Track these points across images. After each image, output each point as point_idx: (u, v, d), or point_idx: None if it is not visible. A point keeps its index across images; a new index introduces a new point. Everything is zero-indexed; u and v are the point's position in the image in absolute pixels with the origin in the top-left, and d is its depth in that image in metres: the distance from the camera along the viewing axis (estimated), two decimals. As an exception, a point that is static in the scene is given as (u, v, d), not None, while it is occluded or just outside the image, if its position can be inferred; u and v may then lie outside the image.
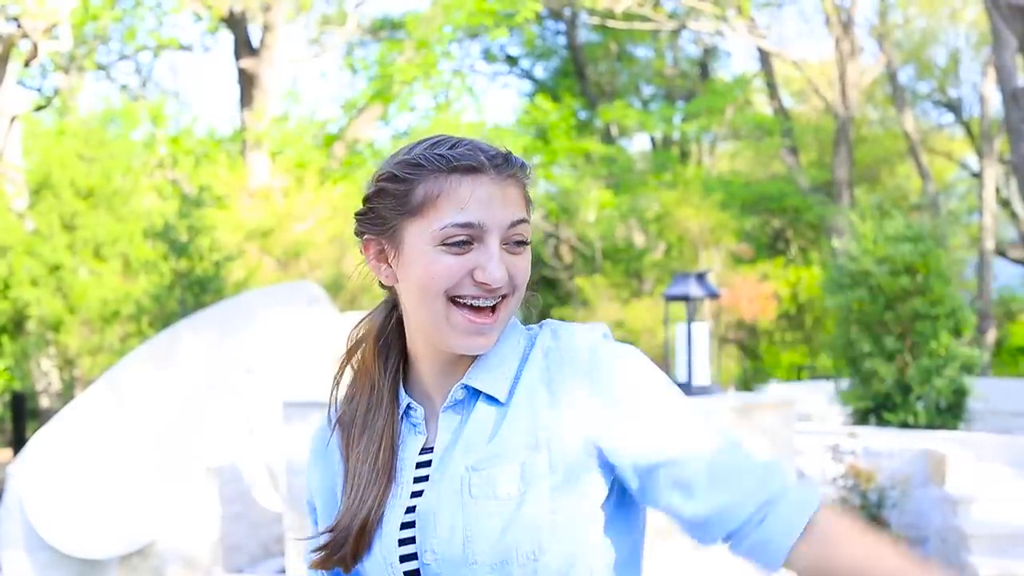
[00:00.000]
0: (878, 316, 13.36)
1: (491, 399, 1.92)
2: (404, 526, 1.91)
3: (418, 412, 1.97)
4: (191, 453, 11.04)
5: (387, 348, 2.02)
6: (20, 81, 20.70)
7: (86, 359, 17.60)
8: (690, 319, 9.37)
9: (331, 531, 1.95)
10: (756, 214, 27.23)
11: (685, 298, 9.46)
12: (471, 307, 1.86)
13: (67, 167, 17.86)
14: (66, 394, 18.31)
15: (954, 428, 13.15)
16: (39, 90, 26.18)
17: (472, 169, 1.85)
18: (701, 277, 9.75)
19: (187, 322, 12.34)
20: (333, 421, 2.06)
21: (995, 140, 26.69)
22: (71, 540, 10.66)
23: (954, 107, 30.88)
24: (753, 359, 24.83)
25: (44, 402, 18.72)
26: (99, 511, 10.85)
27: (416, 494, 1.92)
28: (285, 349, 11.81)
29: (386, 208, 1.90)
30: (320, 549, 1.95)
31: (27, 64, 17.51)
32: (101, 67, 28.13)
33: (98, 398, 11.53)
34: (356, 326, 2.07)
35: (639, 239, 26.95)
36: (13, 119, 17.50)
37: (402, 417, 1.99)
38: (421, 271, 1.87)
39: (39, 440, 11.19)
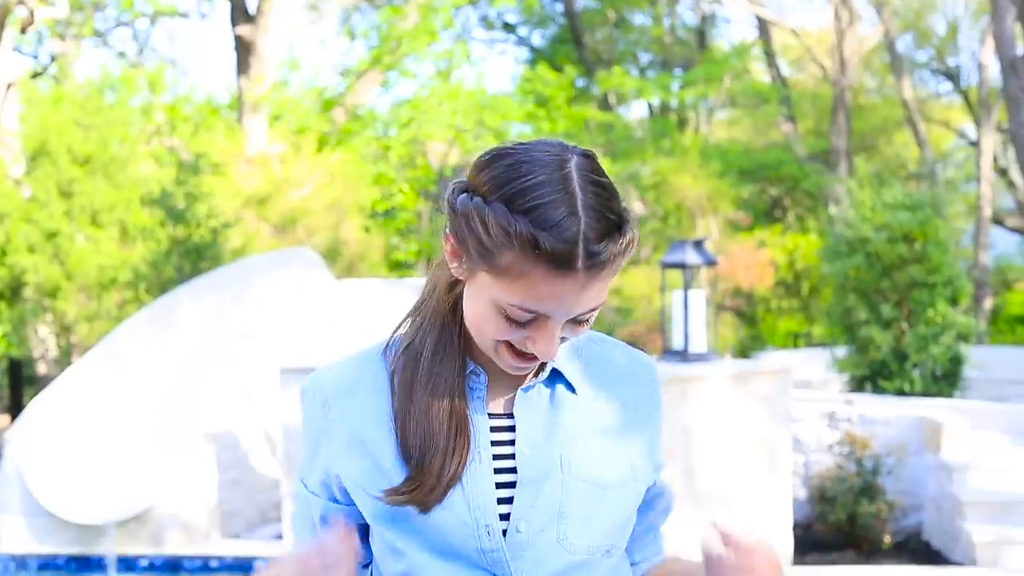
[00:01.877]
0: (875, 284, 13.37)
1: (569, 387, 1.99)
2: (498, 486, 1.93)
3: (482, 378, 1.97)
4: (189, 419, 11.07)
5: (457, 299, 1.98)
6: (16, 48, 20.67)
7: (83, 325, 17.60)
8: (687, 286, 9.37)
9: (418, 472, 1.90)
10: (754, 182, 27.21)
11: (682, 265, 9.45)
12: (518, 352, 1.86)
13: (64, 134, 17.83)
14: (63, 360, 18.34)
15: (950, 396, 13.18)
16: (35, 57, 26.14)
17: (563, 265, 1.73)
18: (698, 244, 9.75)
19: (185, 288, 12.35)
20: (398, 349, 2.02)
21: (993, 109, 26.65)
22: (69, 505, 10.70)
23: (952, 76, 30.81)
24: (750, 326, 24.85)
25: (41, 368, 18.73)
26: (97, 477, 10.88)
27: (497, 457, 1.94)
28: (283, 315, 11.82)
29: (471, 242, 1.80)
30: (411, 488, 1.90)
31: (23, 31, 17.49)
32: (98, 34, 28.06)
33: (96, 364, 11.54)
34: (437, 265, 2.02)
35: (636, 206, 26.94)
36: (9, 86, 17.47)
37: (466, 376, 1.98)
38: (476, 315, 1.85)
39: (37, 406, 11.22)
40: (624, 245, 1.78)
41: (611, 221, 1.76)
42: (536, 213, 1.72)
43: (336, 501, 2.03)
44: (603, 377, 2.03)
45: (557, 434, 1.94)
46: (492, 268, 1.77)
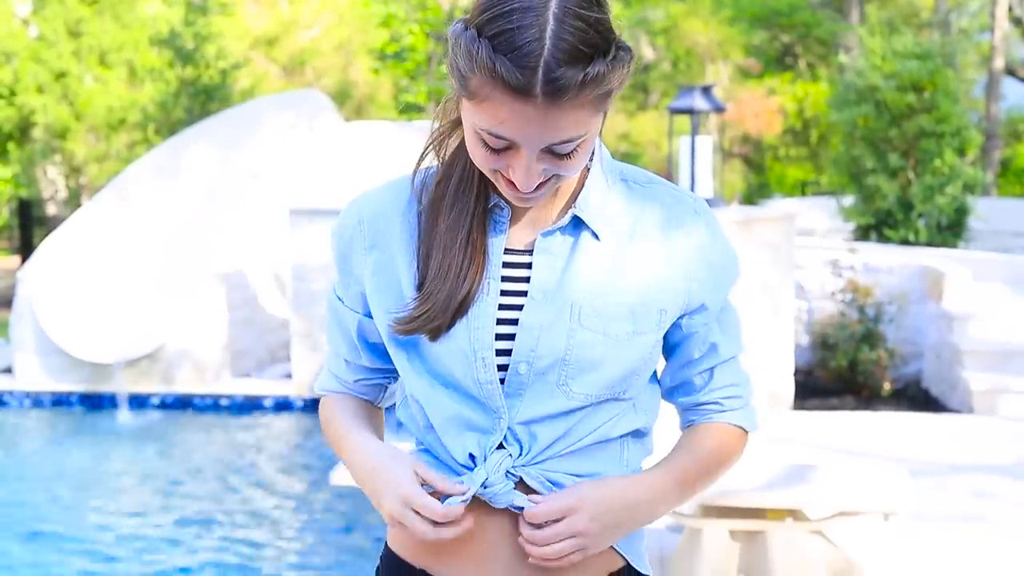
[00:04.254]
0: (883, 133, 13.35)
1: (594, 234, 1.97)
2: (500, 322, 1.95)
3: (505, 212, 1.98)
4: (199, 259, 11.17)
5: None
6: None
7: (93, 166, 17.65)
8: (694, 132, 9.39)
9: (427, 297, 1.95)
10: (765, 28, 26.96)
11: (689, 111, 9.45)
12: (511, 181, 1.86)
13: (71, -28, 17.71)
14: (73, 201, 18.41)
15: (954, 246, 13.24)
16: None
17: (519, 90, 1.73)
18: (706, 90, 9.74)
19: (194, 129, 12.37)
20: (428, 183, 2.03)
21: (1010, -44, 26.29)
22: (81, 344, 10.84)
23: (970, -79, 30.32)
24: (758, 174, 24.82)
25: (51, 209, 18.83)
26: (108, 316, 11.02)
27: (506, 293, 1.96)
28: (291, 157, 11.86)
29: (452, 70, 1.82)
30: (418, 314, 1.94)
31: None
32: None
33: (106, 205, 11.61)
34: (446, 99, 2.02)
35: (647, 52, 26.74)
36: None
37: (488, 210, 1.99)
38: (468, 143, 1.88)
39: (48, 246, 11.31)
40: (592, 76, 1.74)
41: (580, 52, 1.73)
42: (501, 39, 1.73)
43: (369, 316, 2.08)
44: (640, 220, 2.01)
45: (572, 282, 1.94)
46: (467, 93, 1.79)
